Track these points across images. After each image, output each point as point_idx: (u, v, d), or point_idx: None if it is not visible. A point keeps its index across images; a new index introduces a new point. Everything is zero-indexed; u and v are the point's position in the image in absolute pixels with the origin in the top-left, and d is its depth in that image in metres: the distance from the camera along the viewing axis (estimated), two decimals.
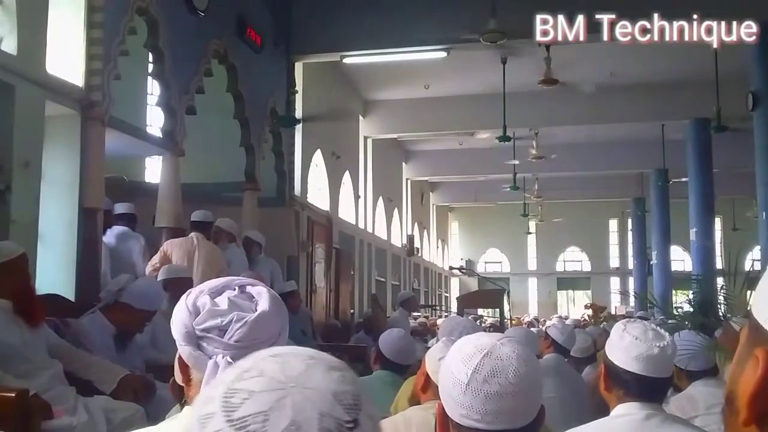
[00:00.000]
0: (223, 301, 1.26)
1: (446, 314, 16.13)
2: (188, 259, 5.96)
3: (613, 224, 29.69)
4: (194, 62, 7.22)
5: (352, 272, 13.37)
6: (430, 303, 21.28)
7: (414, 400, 2.42)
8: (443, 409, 1.33)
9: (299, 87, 10.31)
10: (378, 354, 3.45)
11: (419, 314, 13.65)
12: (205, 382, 1.19)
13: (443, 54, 10.09)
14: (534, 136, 16.17)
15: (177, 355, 1.29)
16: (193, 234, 6.18)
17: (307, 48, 10.01)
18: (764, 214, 9.25)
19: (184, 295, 1.28)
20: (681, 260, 22.61)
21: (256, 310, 1.26)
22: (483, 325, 11.50)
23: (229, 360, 1.20)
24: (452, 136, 17.60)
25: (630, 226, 24.63)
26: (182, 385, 1.31)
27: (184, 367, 1.29)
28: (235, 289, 1.29)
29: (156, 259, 5.93)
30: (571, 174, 20.21)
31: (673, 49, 11.81)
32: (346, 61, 10.76)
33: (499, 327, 10.72)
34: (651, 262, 18.79)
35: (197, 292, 1.28)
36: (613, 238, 30.12)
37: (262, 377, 0.59)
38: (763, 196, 9.27)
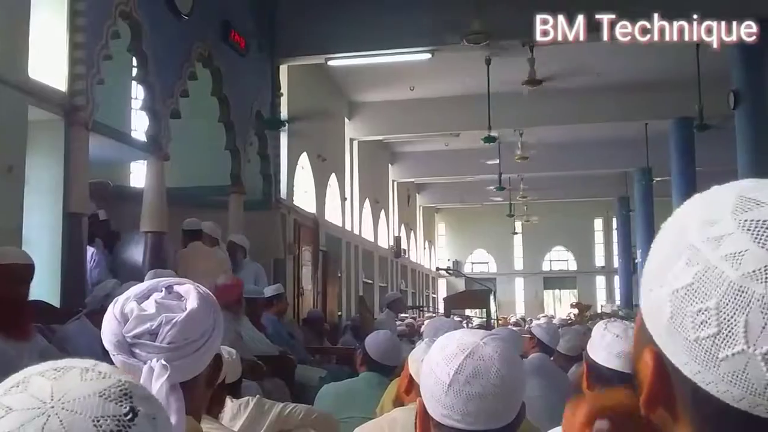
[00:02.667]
0: (150, 305, 1.24)
1: (434, 315, 16.17)
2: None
3: (598, 223, 29.85)
4: (178, 66, 7.20)
5: (339, 274, 13.36)
6: (417, 304, 21.31)
7: (398, 402, 2.43)
8: (424, 407, 1.33)
9: (284, 89, 10.30)
10: (364, 356, 3.45)
11: (407, 315, 13.67)
12: None
13: (427, 56, 10.13)
14: (519, 137, 16.25)
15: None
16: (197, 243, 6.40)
17: (292, 50, 10.00)
18: None
19: (111, 304, 1.26)
20: None
21: (185, 309, 1.24)
22: (470, 326, 11.53)
23: (164, 363, 1.19)
24: (438, 138, 17.64)
25: (615, 225, 24.77)
26: None
27: None
28: (162, 291, 1.27)
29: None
30: (556, 174, 20.31)
31: (656, 48, 11.90)
32: (330, 63, 10.77)
33: (486, 327, 10.76)
34: (636, 261, 18.90)
35: (123, 299, 1.26)
36: (599, 237, 30.30)
37: (10, 414, 0.54)
38: None
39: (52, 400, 0.55)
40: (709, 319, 0.51)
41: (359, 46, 9.92)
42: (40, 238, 5.27)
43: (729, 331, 0.50)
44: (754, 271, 0.50)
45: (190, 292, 1.28)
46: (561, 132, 16.99)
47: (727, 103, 9.56)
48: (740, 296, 0.50)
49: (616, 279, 24.24)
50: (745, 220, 0.52)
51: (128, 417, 0.56)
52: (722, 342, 0.51)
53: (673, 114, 13.89)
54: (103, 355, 3.66)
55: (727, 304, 0.51)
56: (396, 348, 3.49)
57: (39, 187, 5.32)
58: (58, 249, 5.34)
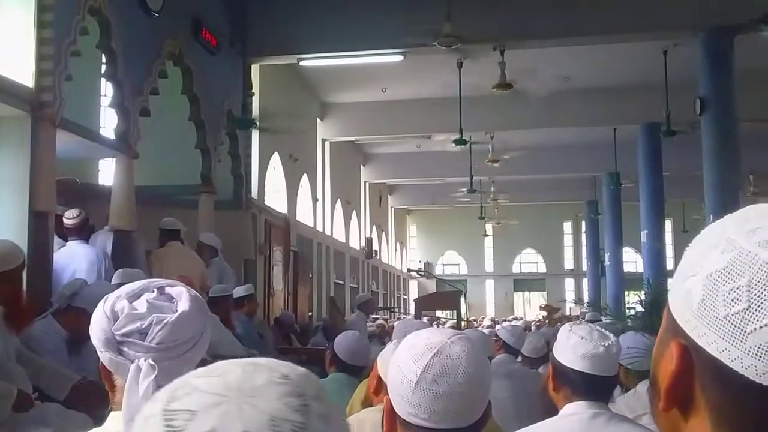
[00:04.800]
0: (141, 305, 1.25)
1: (405, 316, 16.20)
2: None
3: (568, 226, 30.16)
4: (148, 63, 7.13)
5: (310, 275, 13.33)
6: (388, 305, 21.33)
7: (367, 403, 2.43)
8: (391, 405, 1.34)
9: (256, 89, 10.26)
10: (333, 356, 3.46)
11: (377, 317, 13.67)
12: (128, 387, 1.19)
13: (399, 57, 10.15)
14: (490, 140, 16.35)
15: (100, 362, 1.28)
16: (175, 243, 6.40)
17: (264, 50, 9.96)
18: (712, 216, 9.47)
19: (101, 301, 1.27)
20: (633, 261, 23.07)
21: (176, 311, 1.25)
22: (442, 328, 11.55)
23: (152, 363, 1.20)
24: (410, 139, 17.70)
25: (583, 229, 25.03)
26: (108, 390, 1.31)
27: (107, 373, 1.28)
28: (153, 291, 1.28)
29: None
30: (527, 177, 20.49)
31: (625, 53, 12.10)
32: (303, 63, 10.74)
33: (456, 329, 10.80)
34: (604, 264, 19.11)
35: (114, 297, 1.27)
36: (568, 240, 30.61)
37: (197, 393, 0.56)
38: (711, 198, 9.50)
39: (238, 390, 0.56)
40: (740, 296, 0.56)
41: (331, 47, 9.91)
42: (6, 236, 5.15)
43: (759, 306, 0.55)
44: None
45: (182, 295, 1.28)
46: (531, 136, 17.15)
47: (694, 110, 9.71)
48: None
49: (585, 281, 24.49)
50: None
51: (302, 427, 0.56)
52: (751, 316, 0.55)
53: (641, 119, 14.08)
54: (68, 355, 3.63)
55: (759, 282, 0.55)
56: (365, 348, 3.50)
57: (4, 184, 5.24)
58: (24, 247, 5.25)
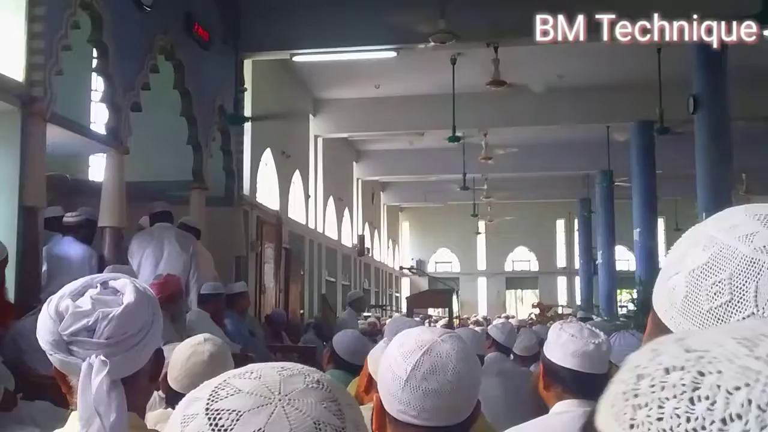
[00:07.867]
0: (85, 302, 1.23)
1: (396, 314, 16.20)
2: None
3: (560, 224, 30.21)
4: (139, 58, 7.09)
5: (302, 272, 13.31)
6: (380, 303, 21.34)
7: (357, 401, 2.42)
8: (381, 402, 1.34)
9: (248, 85, 10.22)
10: (332, 354, 3.45)
11: (369, 314, 13.67)
12: (81, 385, 1.18)
13: (393, 54, 10.14)
14: (483, 137, 16.36)
15: (53, 366, 1.26)
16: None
17: (257, 45, 9.92)
18: (704, 215, 9.50)
19: (45, 303, 1.25)
20: (626, 260, 23.11)
21: (122, 304, 1.23)
22: (434, 326, 11.55)
23: (103, 358, 1.18)
24: (403, 136, 17.70)
25: (576, 227, 25.07)
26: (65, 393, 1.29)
27: (62, 376, 1.26)
28: (97, 287, 1.26)
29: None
30: (520, 175, 20.50)
31: (618, 51, 12.10)
32: (296, 59, 10.71)
33: (448, 327, 10.79)
34: (596, 262, 19.16)
35: (58, 298, 1.25)
36: (560, 238, 30.66)
37: (241, 394, 0.58)
38: (703, 197, 9.53)
39: (279, 393, 0.58)
40: (722, 289, 0.57)
41: (325, 43, 9.88)
42: None
43: (741, 297, 0.56)
44: (764, 246, 0.56)
45: (126, 286, 1.27)
46: (525, 133, 17.17)
47: (687, 108, 9.72)
48: (751, 266, 0.56)
49: (577, 280, 24.54)
50: (755, 214, 0.59)
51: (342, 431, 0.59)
52: (734, 308, 0.56)
53: (635, 117, 14.11)
54: None
55: (740, 274, 0.56)
56: (364, 347, 3.49)
57: None
58: (13, 243, 5.21)
